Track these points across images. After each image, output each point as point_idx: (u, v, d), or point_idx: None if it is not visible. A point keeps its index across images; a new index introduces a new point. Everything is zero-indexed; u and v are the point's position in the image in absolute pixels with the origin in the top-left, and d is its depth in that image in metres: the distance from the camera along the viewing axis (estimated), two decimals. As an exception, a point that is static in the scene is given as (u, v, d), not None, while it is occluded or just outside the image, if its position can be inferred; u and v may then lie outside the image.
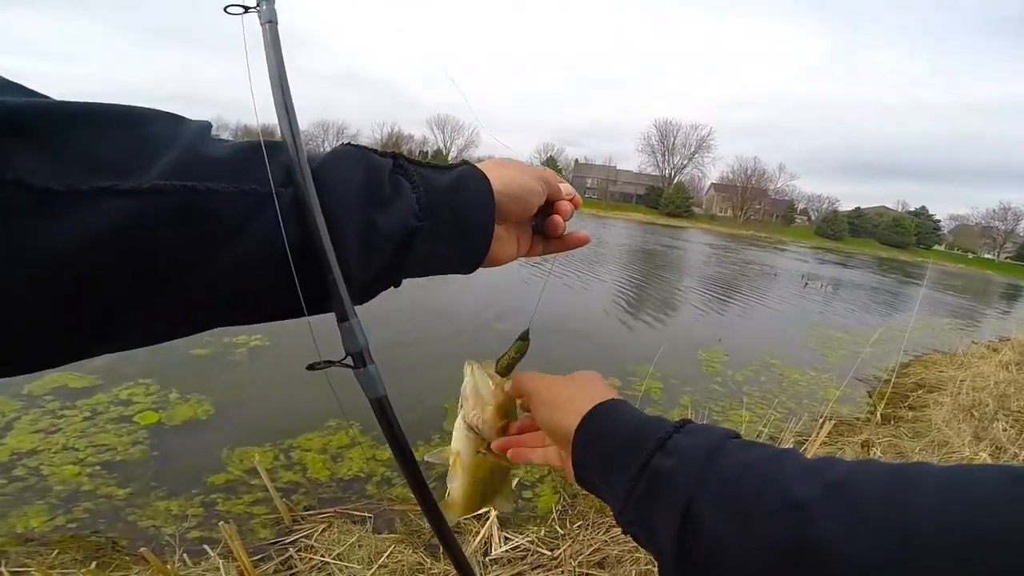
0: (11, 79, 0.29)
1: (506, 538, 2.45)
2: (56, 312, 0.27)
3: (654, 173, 74.84)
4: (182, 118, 0.34)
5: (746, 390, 5.12)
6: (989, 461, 3.45)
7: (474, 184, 0.47)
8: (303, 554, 2.30)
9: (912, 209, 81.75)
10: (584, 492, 2.87)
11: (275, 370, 4.20)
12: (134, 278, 0.29)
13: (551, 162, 65.76)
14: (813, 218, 78.54)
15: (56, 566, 2.09)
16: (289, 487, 2.79)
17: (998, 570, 0.25)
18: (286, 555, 2.29)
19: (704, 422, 0.44)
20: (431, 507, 0.49)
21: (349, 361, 0.41)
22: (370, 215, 0.39)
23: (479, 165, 0.49)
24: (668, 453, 0.40)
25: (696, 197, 72.43)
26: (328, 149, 0.41)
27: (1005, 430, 4.14)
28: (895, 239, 69.92)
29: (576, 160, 76.97)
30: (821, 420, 3.99)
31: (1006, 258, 75.48)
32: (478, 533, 2.42)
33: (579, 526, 2.62)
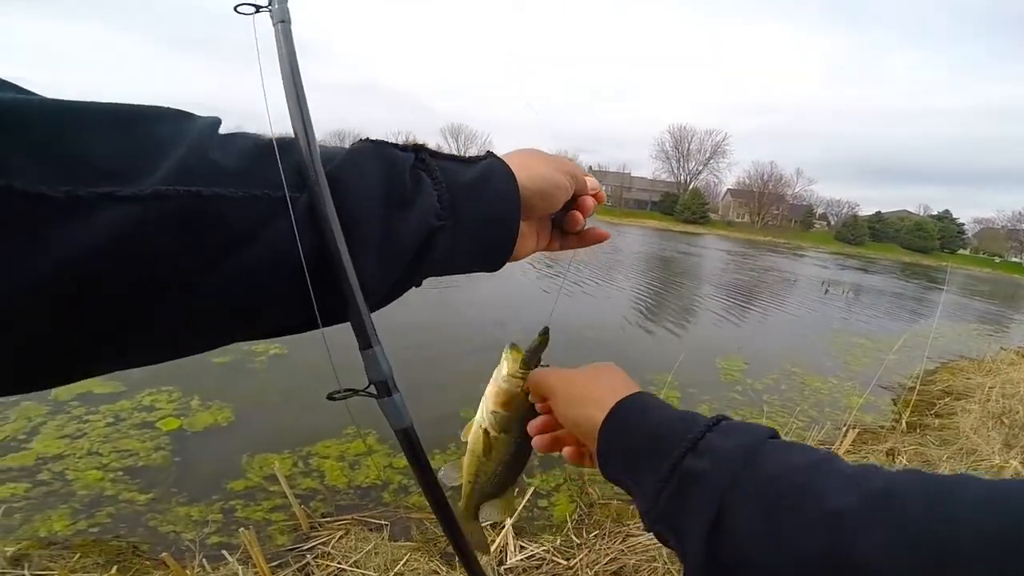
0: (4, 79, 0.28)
1: (521, 547, 2.43)
2: (55, 327, 0.26)
3: (669, 179, 74.44)
4: (189, 115, 0.32)
5: (766, 399, 5.04)
6: (1021, 469, 3.35)
7: (499, 180, 0.44)
8: (320, 561, 2.31)
9: (935, 213, 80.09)
10: (601, 502, 2.88)
11: (294, 378, 4.24)
12: (135, 289, 0.27)
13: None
14: (832, 223, 77.34)
15: (78, 570, 2.13)
16: (307, 494, 2.81)
17: None
18: (303, 561, 2.30)
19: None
20: (457, 537, 0.48)
21: (372, 390, 0.39)
22: (390, 220, 0.37)
23: (504, 157, 0.47)
24: (700, 454, 0.39)
25: (712, 203, 71.78)
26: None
27: (1037, 439, 4.01)
28: (918, 243, 68.45)
29: (590, 167, 76.87)
30: (844, 428, 3.92)
31: (1035, 262, 73.53)
32: (493, 542, 2.41)
33: (595, 535, 2.60)
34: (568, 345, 5.70)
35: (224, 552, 2.18)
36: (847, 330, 9.27)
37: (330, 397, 0.39)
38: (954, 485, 0.31)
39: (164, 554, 2.04)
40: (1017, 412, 4.65)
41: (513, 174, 0.45)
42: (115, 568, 2.12)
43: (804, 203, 75.31)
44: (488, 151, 0.47)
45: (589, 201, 0.54)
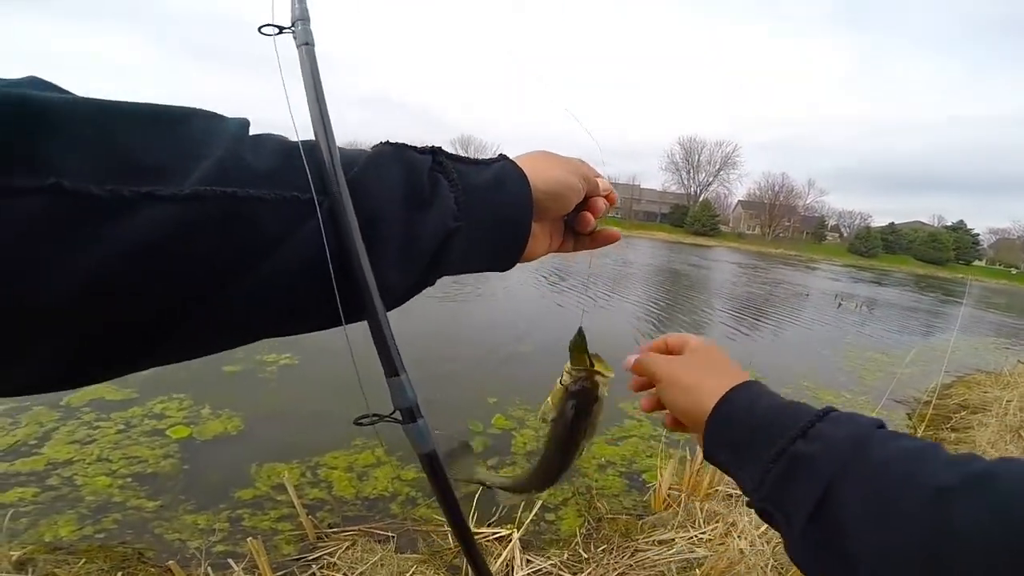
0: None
1: (528, 560, 2.40)
2: (100, 326, 0.26)
3: (679, 191, 74.35)
4: (220, 116, 0.32)
5: (778, 412, 4.96)
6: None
7: (512, 183, 0.45)
8: (326, 571, 2.30)
9: (949, 224, 79.13)
10: (609, 516, 2.84)
11: (303, 388, 4.25)
12: (175, 289, 0.27)
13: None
14: (845, 235, 76.71)
15: (82, 575, 2.13)
16: (314, 504, 2.81)
17: None
18: (309, 572, 2.29)
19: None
20: (478, 562, 0.49)
21: (398, 415, 0.40)
22: (410, 222, 0.38)
23: (516, 159, 0.48)
24: (811, 440, 0.41)
25: (722, 215, 71.52)
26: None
27: (1058, 457, 3.92)
28: (932, 255, 67.60)
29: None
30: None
31: (1053, 275, 72.21)
32: (500, 555, 2.39)
33: (603, 550, 2.56)
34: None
35: (230, 561, 2.18)
36: (861, 344, 9.12)
37: (357, 422, 0.39)
38: None
39: (170, 562, 2.04)
40: (1037, 428, 4.55)
41: (526, 176, 0.46)
42: (120, 574, 2.12)
43: (816, 215, 74.82)
44: (501, 153, 0.48)
45: (600, 203, 0.55)
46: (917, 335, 11.18)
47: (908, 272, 50.16)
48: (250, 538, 2.05)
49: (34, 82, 0.27)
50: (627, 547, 2.59)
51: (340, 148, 0.37)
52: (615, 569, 2.41)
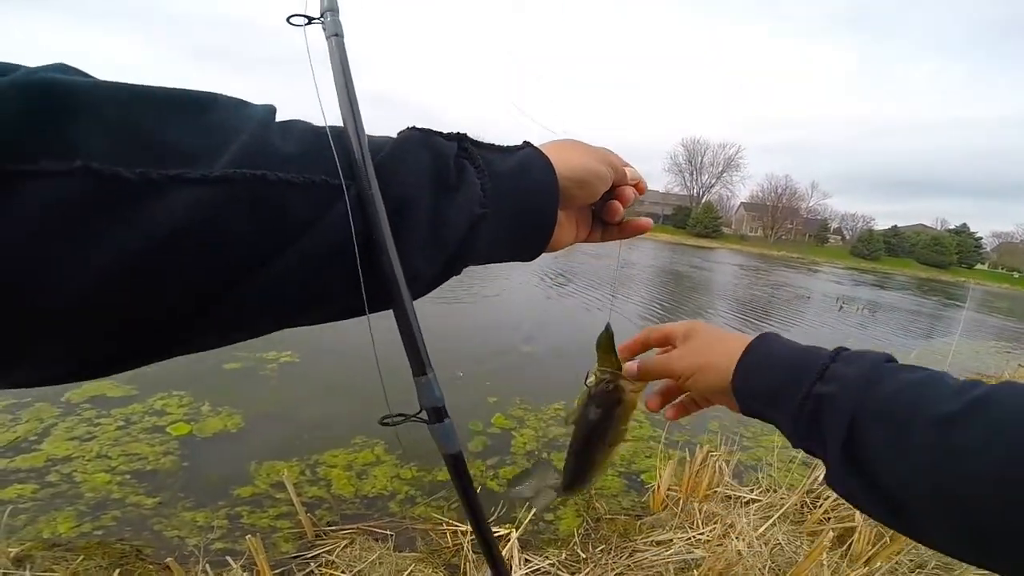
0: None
1: (526, 560, 2.40)
2: (131, 312, 0.26)
3: (682, 193, 74.28)
4: (245, 102, 0.32)
5: (778, 414, 4.95)
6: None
7: (538, 170, 0.44)
8: (324, 570, 2.30)
9: (952, 227, 78.97)
10: (608, 516, 2.84)
11: (304, 386, 4.26)
12: (204, 274, 0.27)
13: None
14: (847, 237, 76.60)
15: (80, 572, 2.13)
16: (313, 502, 2.80)
17: None
18: (307, 570, 2.29)
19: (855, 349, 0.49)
20: (498, 565, 0.48)
21: (424, 416, 0.39)
22: (437, 207, 0.37)
23: (542, 147, 0.47)
24: (827, 381, 0.45)
25: (725, 217, 71.45)
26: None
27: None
28: (935, 258, 67.46)
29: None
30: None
31: (1056, 278, 71.95)
32: (499, 554, 2.38)
33: (601, 550, 2.56)
34: (577, 359, 5.67)
35: (228, 558, 2.18)
36: (862, 347, 9.07)
37: (382, 422, 0.39)
38: None
39: (168, 559, 2.04)
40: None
41: (551, 164, 0.45)
42: (118, 571, 2.12)
43: (818, 217, 74.75)
44: (525, 141, 0.47)
45: (629, 191, 0.54)
46: (919, 338, 11.16)
47: (910, 275, 50.03)
48: (249, 536, 2.05)
49: (60, 68, 0.27)
50: (625, 547, 2.58)
51: (369, 136, 0.36)
52: (613, 569, 2.41)
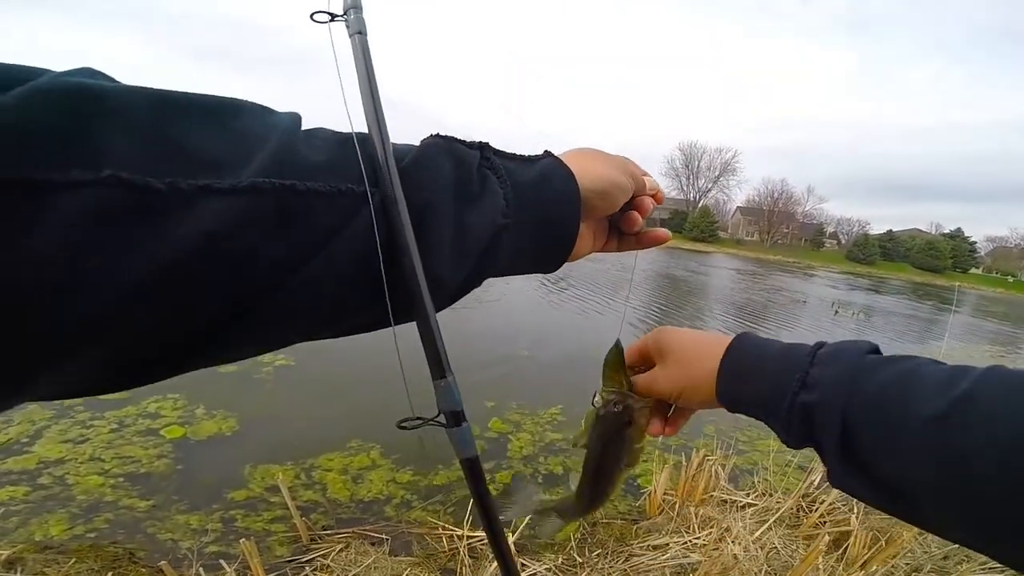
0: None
1: (523, 564, 2.39)
2: (160, 325, 0.25)
3: (678, 197, 74.48)
4: (271, 110, 0.32)
5: (774, 418, 4.95)
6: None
7: (559, 180, 0.44)
8: (319, 574, 2.29)
9: (947, 231, 79.35)
10: (604, 521, 2.83)
11: (300, 390, 4.24)
12: (234, 284, 0.27)
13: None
14: (843, 242, 76.85)
15: (72, 575, 2.12)
16: (308, 506, 2.79)
17: None
18: (302, 574, 2.28)
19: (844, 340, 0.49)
20: (510, 566, 0.48)
21: (442, 419, 0.39)
22: (460, 216, 0.37)
23: (562, 156, 0.46)
24: (809, 388, 0.44)
25: (721, 221, 71.65)
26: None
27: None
28: (930, 263, 67.78)
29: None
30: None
31: (1050, 283, 72.32)
32: (493, 560, 2.37)
33: (598, 555, 2.55)
34: (572, 363, 5.68)
35: (222, 562, 2.16)
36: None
37: (400, 425, 0.38)
38: None
39: (162, 562, 2.02)
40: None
41: (572, 174, 0.45)
42: (110, 574, 2.11)
43: (814, 221, 75.00)
44: (546, 150, 0.47)
45: (647, 202, 0.53)
46: (913, 342, 11.20)
47: (905, 280, 50.25)
48: (243, 539, 2.04)
49: (88, 72, 0.26)
50: (622, 552, 2.58)
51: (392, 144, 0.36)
52: (609, 574, 2.40)
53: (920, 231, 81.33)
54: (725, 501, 3.04)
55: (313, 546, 2.46)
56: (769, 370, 0.48)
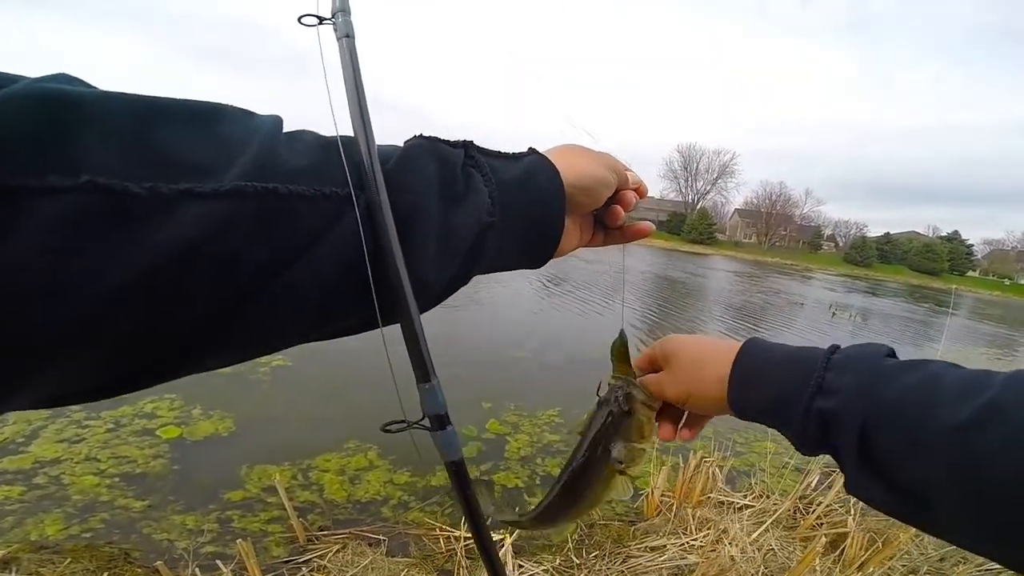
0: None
1: (520, 566, 2.39)
2: (144, 330, 0.25)
3: (677, 199, 74.59)
4: (252, 113, 0.32)
5: (772, 420, 4.96)
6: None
7: (544, 177, 0.44)
8: (316, 574, 2.28)
9: (944, 234, 79.50)
10: (602, 522, 2.83)
11: (297, 391, 4.23)
12: (218, 289, 0.26)
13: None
14: (841, 244, 77.03)
15: (67, 575, 2.11)
16: (305, 507, 2.79)
17: None
18: (299, 574, 2.27)
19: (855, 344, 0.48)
20: (497, 569, 0.48)
21: (427, 423, 0.39)
22: (446, 216, 0.37)
23: (546, 153, 0.47)
24: (826, 394, 0.44)
25: (719, 223, 71.74)
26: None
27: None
28: (927, 265, 67.85)
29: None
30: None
31: (1047, 285, 72.52)
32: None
33: (595, 556, 2.55)
34: (570, 365, 5.68)
35: (218, 562, 2.15)
36: (855, 353, 9.12)
37: (385, 429, 0.39)
38: None
39: (158, 563, 2.02)
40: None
41: (557, 170, 0.45)
42: (106, 574, 2.10)
43: (812, 224, 75.14)
44: (530, 147, 0.47)
45: (630, 195, 0.54)
46: (909, 345, 11.22)
47: (902, 282, 50.38)
48: (239, 540, 2.03)
49: (64, 78, 0.26)
50: (619, 553, 2.58)
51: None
52: (607, 575, 2.40)
53: (917, 234, 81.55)
54: (722, 503, 3.04)
55: (310, 547, 2.46)
56: (779, 375, 0.48)
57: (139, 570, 2.20)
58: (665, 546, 2.61)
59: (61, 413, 3.35)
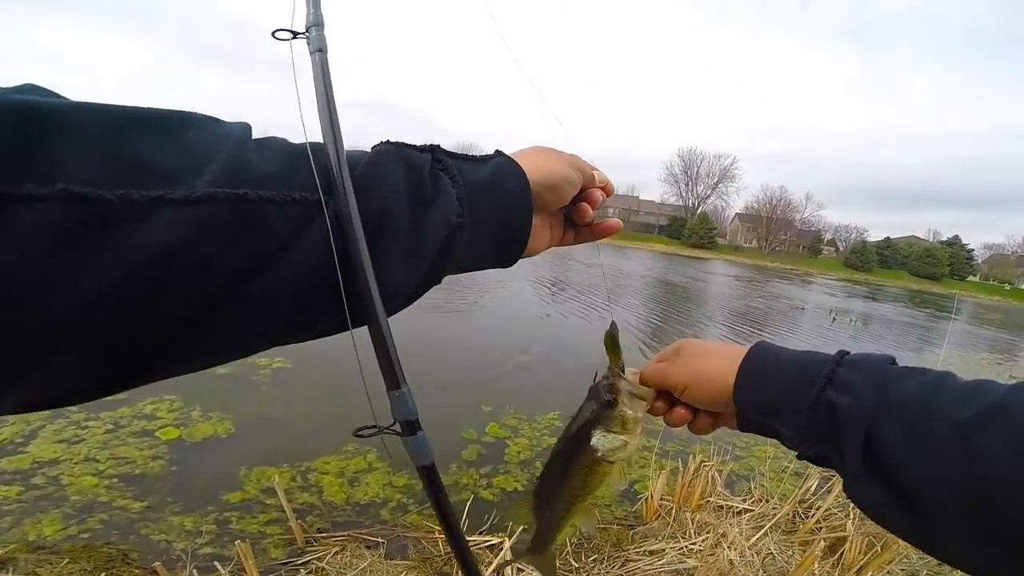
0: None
1: (519, 569, 2.38)
2: (119, 335, 0.26)
3: (677, 203, 74.63)
4: (219, 120, 0.32)
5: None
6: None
7: (510, 177, 0.46)
8: (314, 576, 2.27)
9: (944, 238, 79.40)
10: (600, 526, 2.82)
11: (296, 393, 4.23)
12: (191, 293, 0.27)
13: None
14: (841, 249, 76.99)
15: (65, 575, 2.10)
16: (304, 508, 2.78)
17: None
18: (297, 576, 2.27)
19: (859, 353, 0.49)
20: (471, 571, 0.49)
21: (398, 428, 0.40)
22: (414, 219, 0.38)
23: (512, 155, 0.48)
24: (837, 387, 0.45)
25: (720, 228, 71.73)
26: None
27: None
28: (927, 270, 67.73)
29: (599, 188, 76.90)
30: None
31: (1047, 290, 72.39)
32: (491, 563, 2.37)
33: (594, 560, 2.55)
34: (569, 369, 5.67)
35: (216, 563, 2.15)
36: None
37: (357, 434, 0.40)
38: None
39: (156, 563, 2.01)
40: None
41: (523, 170, 0.47)
42: (103, 575, 2.10)
43: (812, 228, 75.09)
44: (497, 150, 0.49)
45: (597, 193, 0.55)
46: (910, 350, 11.22)
47: (902, 287, 50.31)
48: (238, 541, 2.03)
49: (33, 89, 0.26)
50: (618, 557, 2.57)
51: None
52: (605, 579, 2.39)
53: (917, 238, 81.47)
54: (722, 507, 3.03)
55: (308, 549, 2.45)
56: (792, 368, 0.49)
57: (137, 571, 2.20)
58: (664, 550, 2.60)
59: (60, 414, 3.35)
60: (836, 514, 2.94)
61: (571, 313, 9.25)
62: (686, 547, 2.63)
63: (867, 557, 2.55)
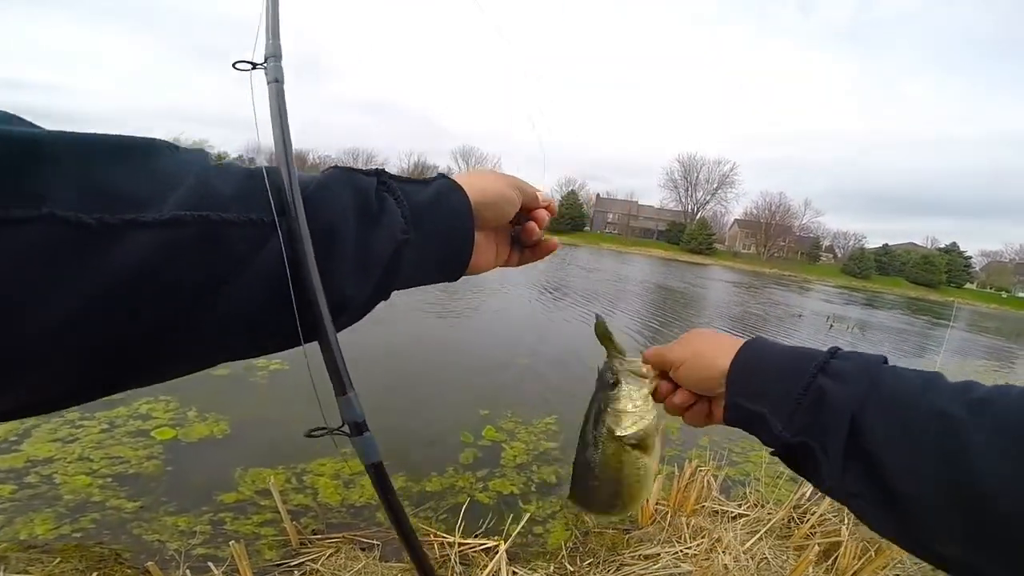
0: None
1: (514, 573, 2.38)
2: (92, 349, 0.27)
3: (676, 208, 74.78)
4: (179, 147, 0.35)
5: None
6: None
7: (453, 197, 0.49)
8: (307, 578, 2.26)
9: (942, 246, 79.55)
10: (596, 530, 2.82)
11: (293, 394, 4.22)
12: (161, 310, 0.29)
13: (572, 196, 66.12)
14: (839, 255, 77.11)
15: (56, 575, 2.10)
16: (299, 510, 2.78)
17: None
18: (290, 578, 2.26)
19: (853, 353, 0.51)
20: (424, 565, 0.52)
21: (346, 429, 0.43)
22: (362, 236, 0.41)
23: (455, 177, 0.52)
24: (829, 375, 0.47)
25: (719, 233, 71.86)
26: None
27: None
28: (924, 277, 67.87)
29: (598, 194, 77.36)
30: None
31: (1044, 298, 72.53)
32: (486, 567, 2.36)
33: (589, 564, 2.54)
34: (566, 373, 5.67)
35: (210, 564, 2.14)
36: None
37: (309, 434, 0.42)
38: None
39: (149, 563, 2.00)
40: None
41: (463, 190, 0.50)
42: (95, 574, 2.09)
43: (811, 235, 75.24)
44: (440, 173, 0.53)
45: (543, 213, 0.59)
46: (907, 357, 11.23)
47: (900, 294, 50.44)
48: (232, 542, 2.03)
49: (9, 119, 0.28)
50: (613, 561, 2.57)
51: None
52: (600, 582, 2.39)
53: (916, 245, 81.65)
54: (717, 512, 3.03)
55: (303, 550, 2.45)
56: (787, 356, 0.52)
57: (129, 571, 2.19)
58: (659, 554, 2.60)
59: (55, 413, 3.34)
60: (831, 519, 2.94)
61: (570, 317, 9.25)
62: (681, 552, 2.62)
63: (861, 562, 2.55)
